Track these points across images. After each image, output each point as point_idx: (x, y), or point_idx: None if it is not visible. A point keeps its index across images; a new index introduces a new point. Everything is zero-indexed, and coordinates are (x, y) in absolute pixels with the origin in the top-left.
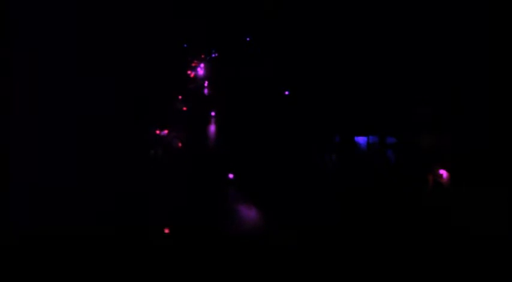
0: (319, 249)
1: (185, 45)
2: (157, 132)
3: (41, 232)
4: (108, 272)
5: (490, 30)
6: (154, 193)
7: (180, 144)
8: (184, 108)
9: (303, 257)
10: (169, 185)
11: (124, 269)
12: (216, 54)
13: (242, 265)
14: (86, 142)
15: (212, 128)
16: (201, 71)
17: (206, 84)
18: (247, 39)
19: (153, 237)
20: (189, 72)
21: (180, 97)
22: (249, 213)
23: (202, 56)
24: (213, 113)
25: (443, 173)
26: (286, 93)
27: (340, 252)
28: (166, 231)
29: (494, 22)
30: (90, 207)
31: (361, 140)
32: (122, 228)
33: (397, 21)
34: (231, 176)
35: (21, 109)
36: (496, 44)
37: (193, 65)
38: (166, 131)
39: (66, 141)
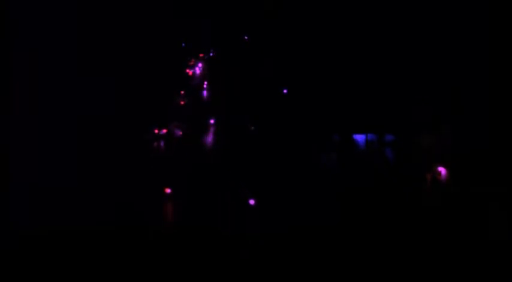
0: (319, 249)
1: (184, 45)
2: (156, 131)
3: (41, 232)
4: (108, 272)
5: (490, 30)
6: (154, 193)
7: (181, 133)
8: (182, 102)
9: (303, 257)
10: (169, 185)
11: (124, 269)
12: (215, 54)
13: (242, 265)
14: (86, 142)
15: (211, 127)
16: (199, 70)
17: (205, 84)
18: (246, 38)
19: (153, 237)
20: (187, 71)
21: (180, 96)
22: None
23: (201, 56)
24: (212, 121)
25: (442, 170)
26: (285, 91)
27: (340, 252)
28: (168, 191)
29: (494, 22)
30: (90, 207)
31: (360, 138)
32: (122, 228)
33: (397, 20)
34: (252, 202)
35: (21, 109)
36: (496, 44)
37: (191, 64)
38: (165, 131)
39: (66, 141)
